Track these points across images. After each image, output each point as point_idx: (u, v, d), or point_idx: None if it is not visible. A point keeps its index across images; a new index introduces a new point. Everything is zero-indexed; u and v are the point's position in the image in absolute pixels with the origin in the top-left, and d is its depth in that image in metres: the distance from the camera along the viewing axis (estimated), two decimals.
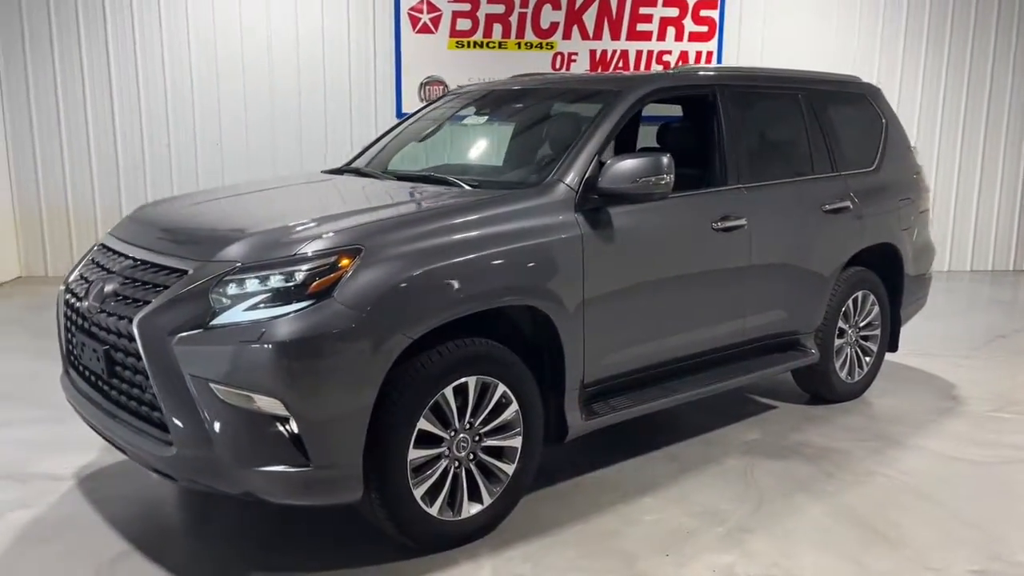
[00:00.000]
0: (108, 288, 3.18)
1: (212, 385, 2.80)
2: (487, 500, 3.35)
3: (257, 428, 2.81)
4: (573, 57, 8.60)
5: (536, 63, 8.46)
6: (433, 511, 3.18)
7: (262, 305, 2.84)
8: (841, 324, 4.96)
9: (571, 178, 3.60)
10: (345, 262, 2.91)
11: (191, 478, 2.91)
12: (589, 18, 8.55)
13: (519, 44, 8.52)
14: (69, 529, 3.40)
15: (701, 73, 4.48)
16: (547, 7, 8.48)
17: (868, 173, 5.11)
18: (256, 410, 2.80)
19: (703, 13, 8.66)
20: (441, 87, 8.34)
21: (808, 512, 3.66)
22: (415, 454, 3.09)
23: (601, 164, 3.63)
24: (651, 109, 4.28)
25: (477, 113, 4.69)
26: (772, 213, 4.43)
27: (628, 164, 3.55)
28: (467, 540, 3.31)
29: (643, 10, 8.60)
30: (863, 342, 5.18)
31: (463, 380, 3.20)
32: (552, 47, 8.57)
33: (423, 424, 3.10)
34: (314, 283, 2.85)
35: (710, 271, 4.13)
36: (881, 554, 3.31)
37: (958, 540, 3.43)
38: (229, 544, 3.35)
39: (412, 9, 8.35)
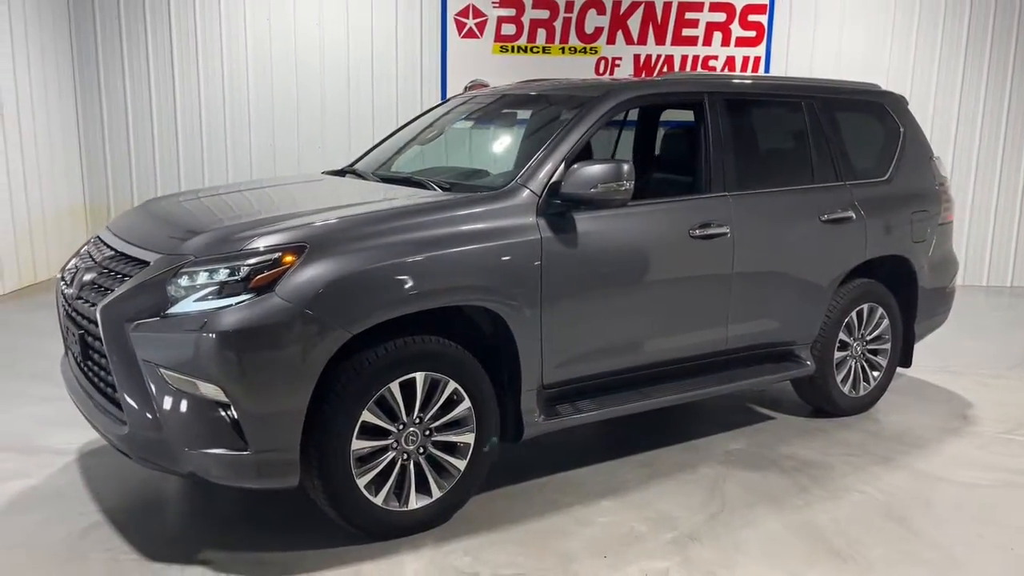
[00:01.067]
0: (87, 277, 3.43)
1: (161, 370, 3.00)
2: (436, 493, 3.45)
3: (200, 412, 2.99)
4: (617, 62, 8.61)
5: (580, 68, 8.53)
6: (377, 501, 3.30)
7: (210, 297, 3.02)
8: (843, 336, 4.86)
9: (534, 183, 3.67)
10: (289, 259, 3.07)
11: (142, 456, 3.11)
12: (634, 23, 8.55)
13: (563, 49, 8.59)
14: (55, 500, 3.67)
15: (687, 81, 4.48)
16: (592, 12, 8.52)
17: (879, 183, 4.99)
18: (199, 395, 2.98)
19: (751, 18, 8.54)
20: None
21: (766, 525, 3.63)
22: (358, 444, 3.22)
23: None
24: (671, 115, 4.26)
25: (467, 117, 4.80)
26: (760, 222, 4.38)
27: (588, 170, 3.59)
28: (413, 531, 3.42)
29: (689, 15, 8.54)
30: (871, 356, 5.05)
31: (410, 376, 3.31)
32: (596, 52, 8.61)
33: (367, 416, 3.22)
34: (256, 277, 3.02)
35: (686, 278, 4.13)
36: (827, 571, 3.26)
37: (914, 562, 3.35)
38: (192, 522, 3.56)
39: (458, 14, 8.52)
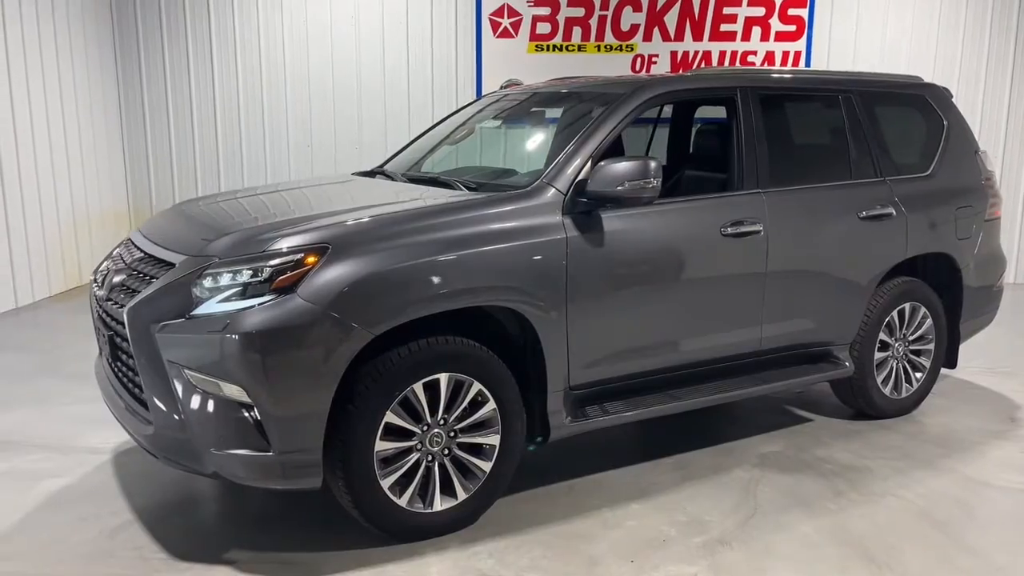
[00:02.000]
0: (116, 279, 3.47)
1: (186, 371, 3.03)
2: (461, 495, 3.43)
3: (224, 413, 3.01)
4: (654, 59, 8.52)
5: (616, 66, 8.45)
6: (402, 502, 3.29)
7: (233, 298, 3.03)
8: (884, 337, 4.72)
9: (560, 181, 3.63)
10: (311, 259, 3.07)
11: (167, 456, 3.14)
12: (670, 19, 8.44)
13: (599, 47, 8.52)
14: (89, 498, 3.73)
15: (718, 76, 4.39)
16: (627, 9, 8.44)
17: (921, 179, 4.84)
18: (223, 396, 3.00)
19: (791, 12, 8.38)
20: None
21: (798, 529, 3.54)
22: (382, 446, 3.21)
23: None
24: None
25: (497, 116, 4.77)
26: (795, 220, 4.28)
27: (614, 168, 3.54)
28: (438, 533, 3.40)
29: (727, 10, 8.41)
30: (914, 357, 4.91)
31: (434, 377, 3.29)
32: (632, 49, 8.52)
33: (391, 418, 3.21)
34: (279, 278, 3.02)
35: (717, 278, 4.04)
36: None
37: (952, 568, 3.24)
38: (221, 522, 3.59)
39: (493, 14, 8.50)
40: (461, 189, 3.85)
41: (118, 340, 3.37)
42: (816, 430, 4.70)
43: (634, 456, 4.27)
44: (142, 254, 3.54)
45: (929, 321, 4.90)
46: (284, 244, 3.12)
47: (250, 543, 3.36)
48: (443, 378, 3.32)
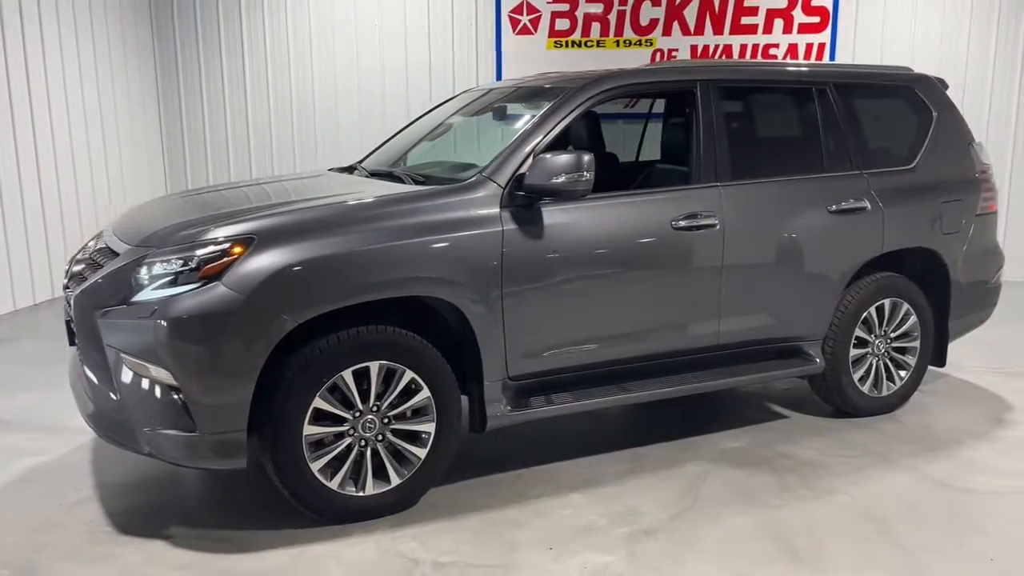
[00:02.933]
0: (76, 268, 3.69)
1: (122, 355, 3.21)
2: (395, 480, 3.53)
3: (154, 395, 3.18)
4: (673, 53, 8.45)
5: (635, 61, 8.41)
6: (332, 485, 3.41)
7: (165, 286, 3.20)
8: (861, 333, 4.63)
9: (499, 175, 3.69)
10: (237, 250, 3.21)
11: (107, 434, 3.33)
12: (690, 13, 8.37)
13: (617, 42, 8.50)
14: (59, 475, 3.96)
15: (678, 69, 4.37)
16: (646, 4, 8.40)
17: (903, 172, 4.73)
18: (152, 379, 3.16)
19: (815, 3, 8.21)
20: None
21: (731, 522, 3.52)
22: (311, 430, 3.33)
23: None
24: None
25: (469, 111, 4.84)
26: (756, 213, 4.24)
27: (549, 162, 3.58)
28: (370, 516, 3.50)
29: (748, 2, 8.29)
30: (897, 354, 4.79)
31: (364, 365, 3.40)
32: (651, 44, 8.48)
33: (320, 403, 3.33)
34: (205, 267, 3.17)
35: (667, 271, 4.04)
36: (778, 571, 3.15)
37: (873, 565, 3.19)
38: (171, 501, 3.75)
39: (512, 11, 8.57)
40: (409, 183, 3.95)
41: (73, 325, 3.57)
42: (789, 427, 4.65)
43: (591, 447, 4.30)
44: (102, 245, 3.75)
45: (913, 318, 4.78)
46: (213, 235, 3.27)
47: (191, 521, 3.53)
48: (373, 366, 3.42)
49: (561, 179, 3.57)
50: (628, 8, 8.42)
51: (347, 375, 3.37)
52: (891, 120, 4.88)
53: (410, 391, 3.52)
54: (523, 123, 3.97)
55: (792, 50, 8.31)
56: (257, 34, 8.97)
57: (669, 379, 4.16)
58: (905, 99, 4.90)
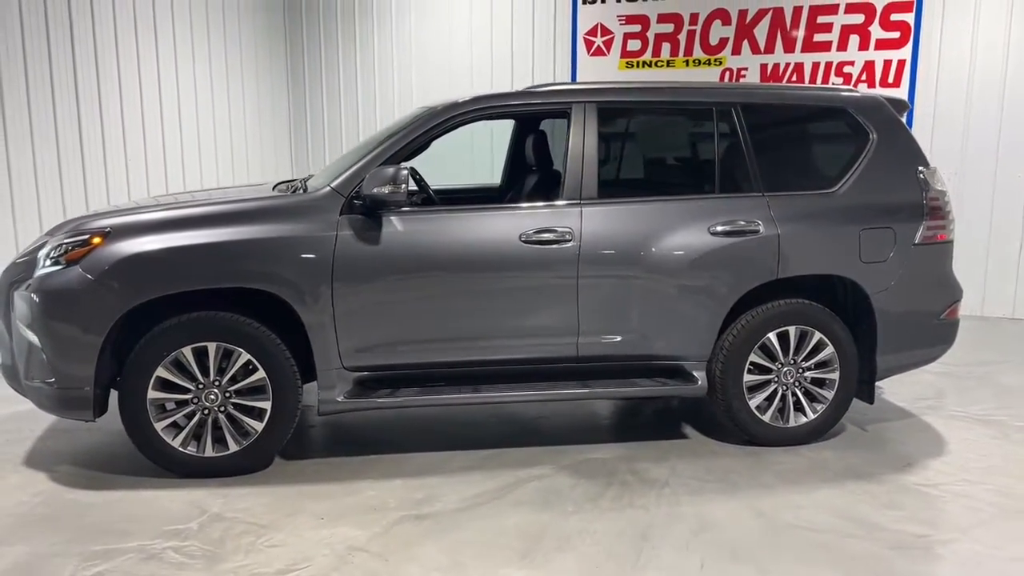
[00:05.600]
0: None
1: (16, 319, 4.05)
2: (232, 447, 4.09)
3: (32, 353, 3.98)
4: (743, 73, 8.30)
5: (704, 80, 8.37)
6: (175, 444, 4.04)
7: (48, 267, 4.00)
8: (759, 359, 4.51)
9: (342, 184, 4.15)
10: (96, 240, 3.94)
11: (8, 382, 4.18)
12: (760, 31, 8.18)
13: (687, 62, 8.50)
14: (27, 419, 4.91)
15: (552, 92, 4.54)
16: (716, 23, 8.33)
17: (818, 196, 4.55)
18: (29, 339, 3.97)
19: (894, 17, 7.72)
20: None
21: (504, 521, 3.70)
22: (155, 395, 3.99)
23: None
24: None
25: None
26: (619, 232, 4.32)
27: (374, 174, 3.99)
28: (211, 475, 4.08)
29: (822, 18, 7.96)
30: (813, 386, 4.61)
31: (202, 344, 4.00)
32: (721, 63, 8.38)
33: (162, 373, 3.98)
34: (70, 253, 3.93)
35: (510, 282, 4.24)
36: (493, 565, 3.33)
37: (590, 571, 3.27)
38: (88, 447, 4.56)
39: (587, 33, 8.84)
40: (294, 191, 4.49)
41: None
42: (676, 447, 4.63)
43: (466, 444, 4.60)
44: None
45: (829, 349, 4.57)
46: (84, 227, 4.03)
47: (77, 462, 4.31)
48: (211, 346, 4.01)
49: (385, 190, 3.97)
50: (698, 28, 8.40)
51: (187, 352, 3.99)
52: (817, 142, 4.71)
53: (247, 371, 4.06)
54: (382, 139, 4.39)
55: (869, 67, 7.86)
56: (369, 62, 9.93)
57: (526, 385, 4.37)
58: (837, 121, 4.70)
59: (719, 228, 4.40)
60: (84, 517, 3.71)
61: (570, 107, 4.42)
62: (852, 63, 7.91)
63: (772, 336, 4.51)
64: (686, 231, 4.39)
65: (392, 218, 4.14)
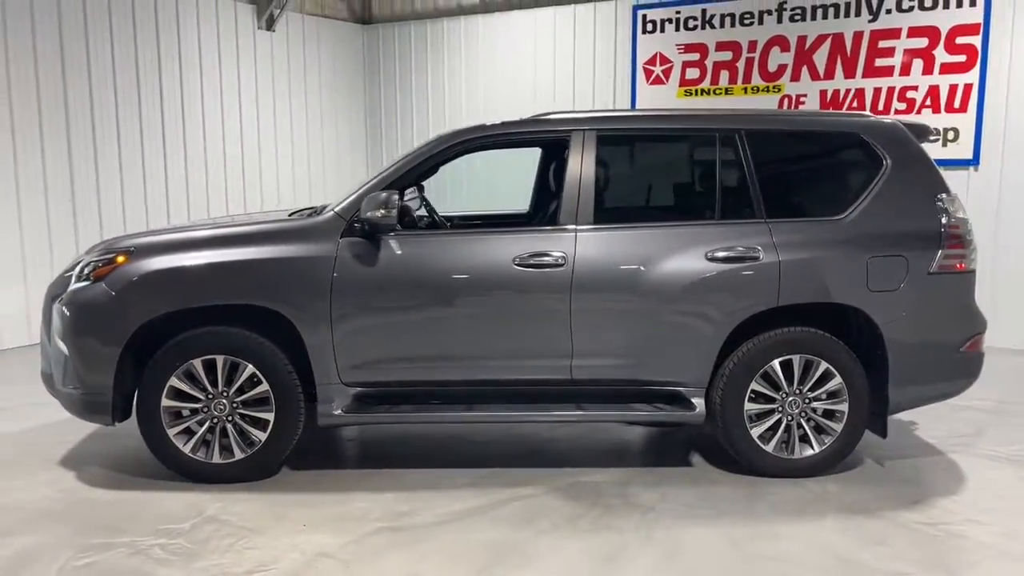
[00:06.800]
0: None
1: (52, 329, 4.45)
2: (238, 455, 4.35)
3: (63, 360, 4.36)
4: (802, 99, 8.16)
5: (762, 107, 8.28)
6: (185, 449, 4.33)
7: (77, 284, 4.38)
8: (760, 388, 4.44)
9: (344, 208, 4.37)
10: (120, 259, 4.29)
11: (48, 388, 4.57)
12: (820, 57, 8.03)
13: (745, 89, 8.42)
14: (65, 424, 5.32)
15: (552, 121, 4.63)
16: (775, 50, 8.23)
17: (825, 222, 4.47)
18: (61, 348, 4.35)
19: (959, 40, 7.44)
20: None
21: (475, 536, 3.80)
22: (168, 403, 4.29)
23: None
24: None
25: None
26: (614, 257, 4.36)
27: (369, 198, 4.19)
28: (217, 481, 4.34)
29: (883, 43, 7.75)
30: (823, 418, 4.50)
31: (211, 357, 4.28)
32: (779, 90, 8.26)
33: (175, 383, 4.28)
34: (96, 270, 4.30)
35: (507, 305, 4.34)
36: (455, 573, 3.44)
37: None
38: (105, 448, 4.92)
39: (647, 63, 8.90)
40: (307, 214, 4.75)
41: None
42: (676, 473, 4.60)
43: (468, 462, 4.72)
44: None
45: (837, 379, 4.46)
46: (112, 247, 4.39)
47: (104, 463, 4.65)
48: (219, 359, 4.29)
49: (378, 214, 4.16)
50: (756, 55, 8.32)
51: (197, 363, 4.28)
52: (827, 168, 4.63)
53: (252, 383, 4.32)
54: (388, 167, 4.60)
55: (933, 92, 7.58)
56: (441, 88, 10.29)
57: (521, 406, 4.45)
58: (849, 147, 4.60)
59: (717, 254, 4.38)
60: (93, 513, 4.03)
61: (570, 135, 4.51)
62: (915, 88, 7.66)
63: (775, 364, 4.44)
64: (682, 256, 4.38)
65: (390, 241, 4.32)
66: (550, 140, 4.85)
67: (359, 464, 4.70)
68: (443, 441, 5.13)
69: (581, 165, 4.45)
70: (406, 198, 4.84)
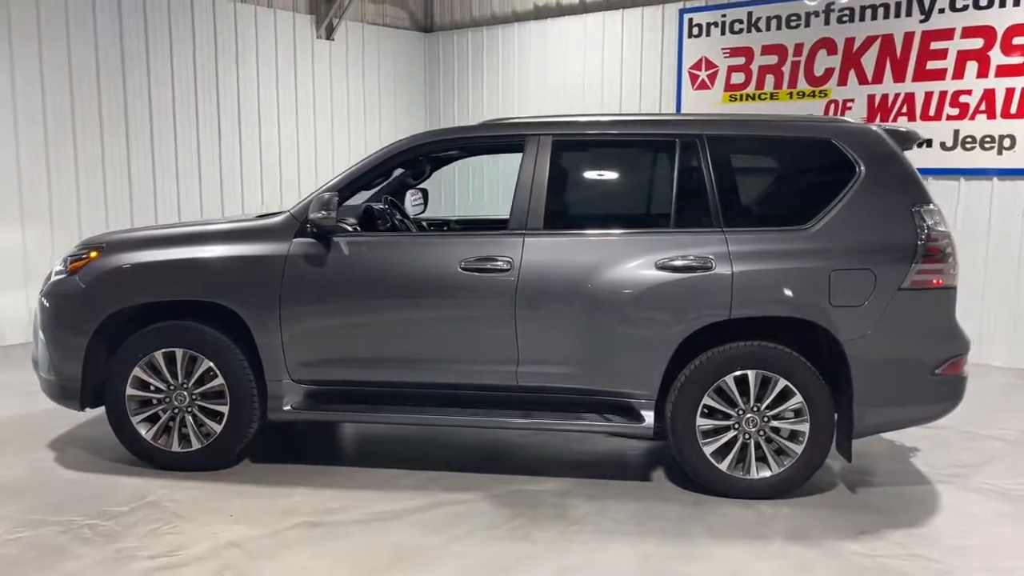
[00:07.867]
0: None
1: (36, 320, 4.77)
2: (195, 445, 4.53)
3: (41, 348, 4.67)
4: (848, 104, 7.75)
5: (808, 112, 7.92)
6: (147, 437, 4.55)
7: (56, 276, 4.69)
8: (713, 403, 4.27)
9: (298, 211, 4.49)
10: (93, 254, 4.57)
11: (36, 372, 4.89)
12: (868, 60, 7.61)
13: (791, 94, 8.08)
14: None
15: (510, 125, 4.60)
16: (821, 53, 7.86)
17: (787, 231, 4.26)
18: (42, 337, 4.66)
19: (1016, 40, 6.89)
20: None
21: (388, 538, 3.82)
22: (132, 392, 4.53)
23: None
24: None
25: None
26: (560, 263, 4.29)
27: (316, 200, 4.29)
28: (178, 469, 4.54)
29: (935, 44, 7.27)
30: (784, 439, 4.29)
31: (171, 350, 4.49)
32: (826, 95, 7.88)
33: (139, 373, 4.51)
34: (71, 264, 4.59)
35: (451, 309, 4.35)
36: None
37: None
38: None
39: (692, 68, 8.68)
40: (272, 216, 4.90)
41: None
42: (627, 488, 4.47)
43: (426, 464, 4.74)
44: None
45: (798, 398, 4.24)
46: (83, 243, 4.68)
47: (90, 447, 4.94)
48: (179, 352, 4.49)
49: (320, 214, 4.26)
50: (803, 59, 7.97)
51: (159, 356, 4.50)
52: (794, 176, 4.41)
53: (210, 377, 4.49)
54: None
55: (988, 96, 7.04)
56: (494, 93, 10.36)
57: (468, 411, 4.45)
58: (820, 153, 4.36)
59: (668, 263, 4.24)
60: (50, 492, 4.30)
61: (524, 139, 4.48)
62: (969, 92, 7.14)
63: (729, 380, 4.25)
64: (631, 265, 4.27)
65: (340, 243, 4.41)
66: (506, 145, 4.82)
67: (321, 460, 4.79)
68: (410, 442, 5.18)
69: (534, 170, 4.41)
70: (381, 203, 4.95)
